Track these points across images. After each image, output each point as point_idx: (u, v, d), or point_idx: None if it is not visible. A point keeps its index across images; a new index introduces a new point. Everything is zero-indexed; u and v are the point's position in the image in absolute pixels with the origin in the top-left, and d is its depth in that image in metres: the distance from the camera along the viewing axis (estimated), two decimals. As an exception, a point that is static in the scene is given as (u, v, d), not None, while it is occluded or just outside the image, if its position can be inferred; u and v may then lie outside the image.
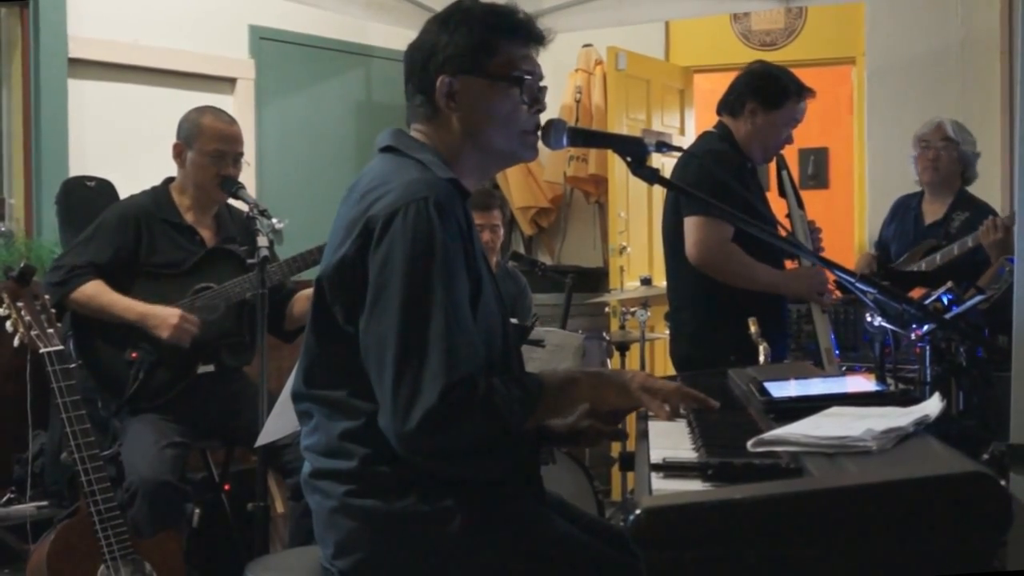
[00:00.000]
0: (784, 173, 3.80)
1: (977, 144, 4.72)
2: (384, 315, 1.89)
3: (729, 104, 3.79)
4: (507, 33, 2.12)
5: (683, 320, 3.78)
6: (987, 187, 5.20)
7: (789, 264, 3.85)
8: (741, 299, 3.56)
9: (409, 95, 2.17)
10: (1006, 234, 4.12)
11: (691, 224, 3.58)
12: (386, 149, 2.13)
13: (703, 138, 3.87)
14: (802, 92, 3.73)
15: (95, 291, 3.53)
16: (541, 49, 2.19)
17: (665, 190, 3.90)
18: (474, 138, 2.12)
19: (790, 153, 8.56)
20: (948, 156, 4.57)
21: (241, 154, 3.71)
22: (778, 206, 3.67)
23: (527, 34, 2.15)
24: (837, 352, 3.61)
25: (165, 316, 3.51)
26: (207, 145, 3.63)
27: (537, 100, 2.16)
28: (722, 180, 3.52)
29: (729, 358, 3.39)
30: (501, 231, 4.76)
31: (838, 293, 3.84)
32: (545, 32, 2.18)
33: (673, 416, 2.12)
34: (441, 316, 1.87)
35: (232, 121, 3.74)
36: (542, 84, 2.18)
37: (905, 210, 4.75)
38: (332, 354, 2.02)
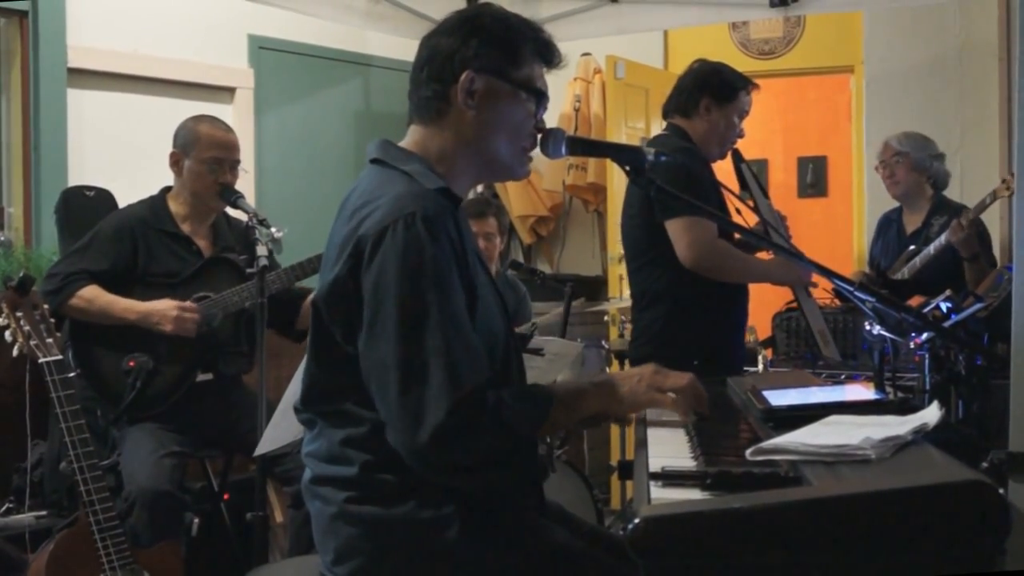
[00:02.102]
0: (743, 166, 3.79)
1: (975, 151, 4.77)
2: (382, 336, 1.88)
3: (681, 105, 3.77)
4: (534, 49, 2.13)
5: (646, 322, 3.74)
6: (986, 194, 5.21)
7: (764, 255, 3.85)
8: (707, 302, 3.56)
9: (419, 83, 2.13)
10: (971, 229, 4.22)
11: (677, 227, 3.55)
12: (374, 161, 2.13)
13: (661, 141, 3.81)
14: (747, 84, 3.75)
15: (93, 295, 3.53)
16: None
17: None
18: (478, 141, 2.11)
19: (788, 161, 8.66)
20: (903, 168, 4.66)
21: (238, 161, 3.70)
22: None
23: (550, 56, 2.16)
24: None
25: (164, 310, 3.52)
26: (204, 153, 3.63)
27: (541, 120, 2.18)
28: (697, 175, 3.53)
29: (692, 362, 3.38)
30: (497, 240, 4.73)
31: (837, 301, 3.84)
32: (562, 58, 2.19)
33: (686, 415, 2.10)
34: (439, 332, 1.86)
35: (228, 129, 3.74)
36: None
37: (888, 225, 4.85)
38: (334, 372, 2.01)
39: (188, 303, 3.55)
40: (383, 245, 1.89)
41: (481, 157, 2.13)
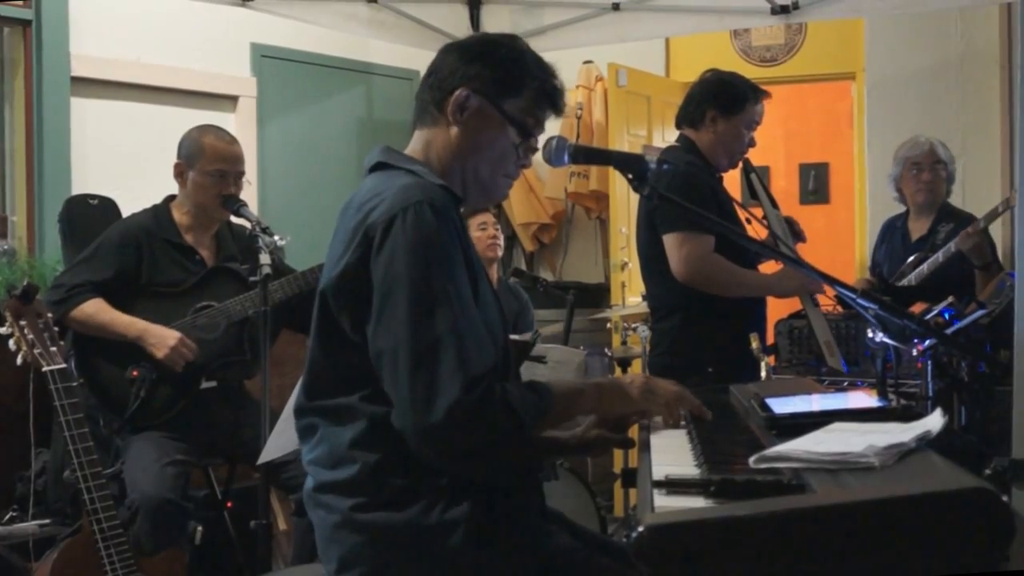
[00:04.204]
0: (752, 176, 3.78)
1: (976, 158, 4.76)
2: (393, 318, 1.90)
3: (689, 116, 3.77)
4: (539, 89, 2.16)
5: (663, 331, 3.76)
6: (987, 201, 5.20)
7: (774, 265, 3.85)
8: (721, 310, 3.56)
9: (423, 89, 2.18)
10: (980, 238, 4.20)
11: (672, 242, 3.56)
12: (376, 167, 2.15)
13: (670, 152, 3.83)
14: (758, 93, 3.73)
15: (95, 309, 3.53)
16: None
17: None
18: (461, 158, 2.14)
19: (790, 168, 8.66)
20: (943, 177, 4.64)
21: (242, 173, 3.71)
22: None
23: (553, 102, 2.18)
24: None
25: (164, 336, 3.51)
26: (209, 165, 3.63)
27: (527, 155, 2.20)
28: (697, 186, 3.52)
29: (707, 370, 3.39)
30: (500, 230, 4.95)
31: (840, 308, 3.84)
32: (562, 107, 2.22)
33: (677, 423, 2.17)
34: (450, 314, 1.88)
35: (233, 140, 3.75)
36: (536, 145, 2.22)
37: (892, 231, 4.80)
38: (340, 364, 2.02)
39: (190, 341, 3.54)
40: (393, 231, 1.92)
41: (465, 174, 2.16)
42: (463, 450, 1.89)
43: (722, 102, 3.69)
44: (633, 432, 2.38)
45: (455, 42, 2.22)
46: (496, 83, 2.12)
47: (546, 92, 2.16)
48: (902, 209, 4.80)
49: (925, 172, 4.61)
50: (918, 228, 4.66)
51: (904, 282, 4.40)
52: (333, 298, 2.01)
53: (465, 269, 1.98)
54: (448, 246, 1.93)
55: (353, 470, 1.99)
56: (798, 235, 3.83)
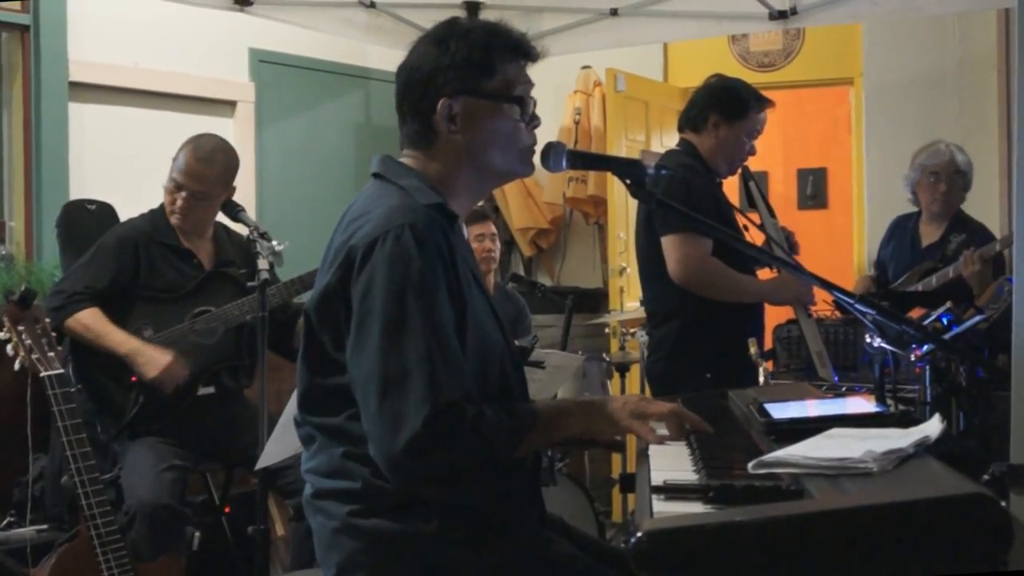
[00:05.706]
0: (751, 184, 3.78)
1: (975, 163, 4.71)
2: (366, 344, 1.90)
3: (691, 120, 3.77)
4: (505, 52, 2.12)
5: (661, 337, 3.76)
6: (985, 206, 5.21)
7: (767, 273, 3.85)
8: (719, 316, 3.56)
9: (403, 117, 2.14)
10: (983, 267, 4.14)
11: (669, 243, 3.56)
12: (375, 176, 2.14)
13: (670, 156, 3.83)
14: (761, 102, 3.72)
15: (91, 320, 3.53)
16: (539, 70, 2.21)
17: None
18: (474, 159, 2.12)
19: (788, 173, 8.67)
20: (960, 187, 4.56)
21: (200, 192, 3.61)
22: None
23: (524, 53, 2.15)
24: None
25: (156, 356, 3.49)
26: (172, 173, 3.63)
27: (534, 117, 2.17)
28: (696, 190, 3.52)
29: (705, 375, 3.39)
30: (498, 242, 4.90)
31: (837, 313, 3.84)
32: (539, 50, 2.18)
33: (665, 440, 2.12)
34: (422, 342, 1.87)
35: (208, 159, 3.63)
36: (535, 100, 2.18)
37: (902, 231, 4.73)
38: (325, 383, 2.02)
39: (183, 362, 3.52)
40: (373, 256, 1.91)
41: (479, 172, 2.15)
42: (426, 478, 1.89)
43: (726, 108, 3.69)
44: (631, 438, 2.38)
45: (405, 60, 2.14)
46: (468, 74, 2.07)
47: (514, 49, 2.12)
48: (909, 210, 4.75)
49: (943, 183, 4.53)
50: (929, 233, 4.60)
51: (910, 289, 4.36)
52: (316, 317, 2.01)
53: (448, 292, 1.95)
54: (426, 273, 1.91)
55: (350, 481, 1.99)
56: (792, 247, 3.83)
